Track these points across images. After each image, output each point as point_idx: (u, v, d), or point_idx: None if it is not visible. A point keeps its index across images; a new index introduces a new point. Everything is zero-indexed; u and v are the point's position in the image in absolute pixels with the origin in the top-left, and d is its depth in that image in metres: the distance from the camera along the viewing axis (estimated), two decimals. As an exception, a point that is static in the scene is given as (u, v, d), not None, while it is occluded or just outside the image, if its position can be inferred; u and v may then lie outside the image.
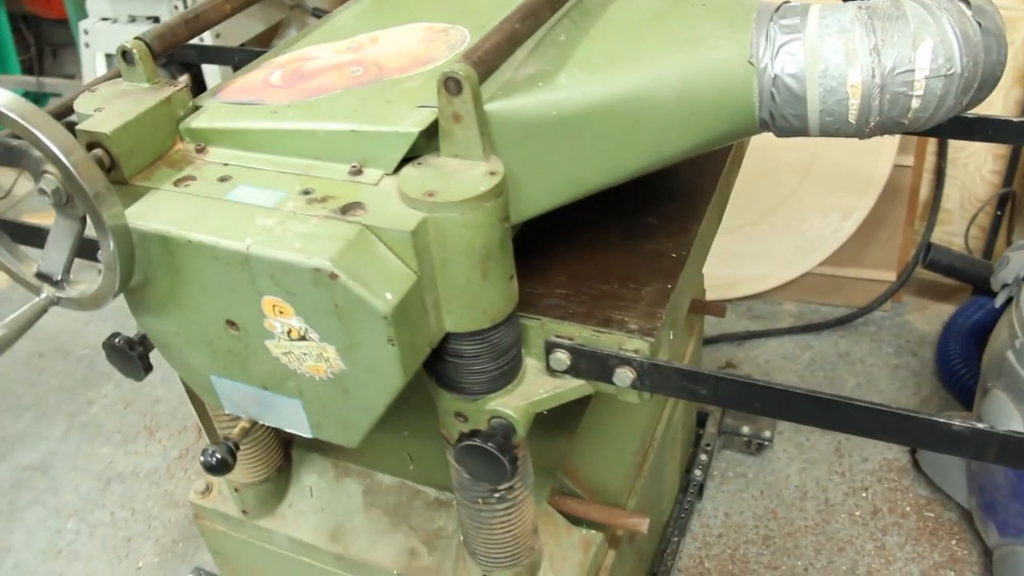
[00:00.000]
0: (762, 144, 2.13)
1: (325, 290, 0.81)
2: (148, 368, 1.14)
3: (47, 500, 2.08)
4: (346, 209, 0.86)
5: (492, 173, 0.85)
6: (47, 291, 0.96)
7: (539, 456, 1.32)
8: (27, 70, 3.74)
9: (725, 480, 1.94)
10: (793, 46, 0.94)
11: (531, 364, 1.02)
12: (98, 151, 0.95)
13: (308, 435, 1.00)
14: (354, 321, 0.83)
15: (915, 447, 0.95)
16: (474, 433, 0.98)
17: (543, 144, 0.92)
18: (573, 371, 0.99)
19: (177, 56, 1.65)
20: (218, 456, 1.02)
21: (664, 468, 1.61)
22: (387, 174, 0.90)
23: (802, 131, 0.99)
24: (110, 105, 0.99)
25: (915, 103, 0.95)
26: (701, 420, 1.97)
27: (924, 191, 2.24)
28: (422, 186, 0.85)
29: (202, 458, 1.02)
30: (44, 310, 0.96)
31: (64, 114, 1.08)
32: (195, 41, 1.18)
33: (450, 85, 0.83)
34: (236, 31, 2.61)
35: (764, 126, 1.00)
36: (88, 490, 2.09)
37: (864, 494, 1.89)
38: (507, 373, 0.98)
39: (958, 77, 0.93)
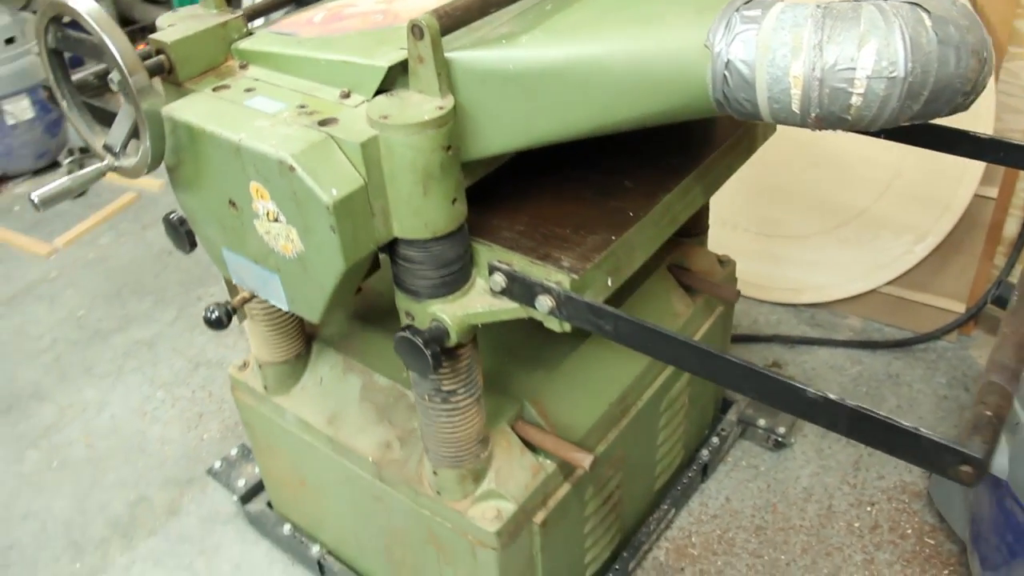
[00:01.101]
0: (843, 156, 2.21)
1: (287, 179, 1.04)
2: (193, 244, 1.41)
3: (146, 370, 2.46)
4: (324, 122, 1.08)
5: (440, 108, 1.05)
6: (108, 159, 1.25)
7: (510, 382, 1.52)
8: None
9: (737, 468, 2.04)
10: (748, 35, 1.05)
11: (479, 284, 1.21)
12: (161, 57, 1.22)
13: (286, 308, 1.23)
14: (307, 208, 1.05)
15: (778, 408, 1.00)
16: (409, 328, 1.18)
17: (500, 93, 1.10)
18: (507, 293, 1.17)
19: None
20: (216, 315, 1.28)
21: (654, 433, 1.74)
22: (366, 100, 1.12)
23: (755, 115, 1.10)
24: (181, 23, 1.25)
25: (856, 100, 1.03)
26: (725, 407, 2.08)
27: (1012, 227, 2.22)
28: (381, 110, 1.05)
29: (204, 314, 1.28)
30: (103, 173, 1.24)
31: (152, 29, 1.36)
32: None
33: (415, 31, 1.03)
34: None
35: (720, 107, 1.12)
36: (180, 369, 2.45)
37: (869, 508, 1.94)
38: (449, 284, 1.17)
39: (902, 81, 1.00)
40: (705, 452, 1.97)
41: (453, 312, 1.18)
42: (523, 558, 1.47)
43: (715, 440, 1.99)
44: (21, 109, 3.33)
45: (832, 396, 0.97)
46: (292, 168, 1.02)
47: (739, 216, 2.43)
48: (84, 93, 1.35)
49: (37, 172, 3.51)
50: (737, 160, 1.48)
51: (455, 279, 1.17)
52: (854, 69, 1.00)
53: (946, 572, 1.81)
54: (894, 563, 1.83)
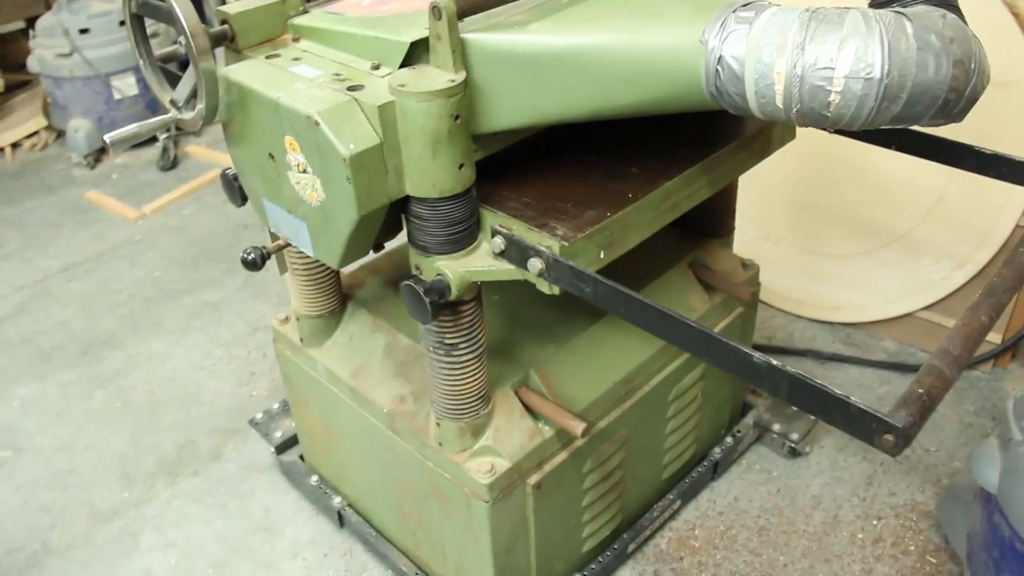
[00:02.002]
0: (888, 179, 2.29)
1: (313, 133, 1.21)
2: (244, 198, 1.59)
3: (209, 329, 2.70)
4: (352, 88, 1.25)
5: (451, 80, 1.21)
6: (172, 112, 1.45)
7: (520, 351, 1.66)
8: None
9: (750, 470, 2.13)
10: (740, 34, 1.17)
11: (484, 246, 1.36)
12: (225, 26, 1.42)
13: (312, 254, 1.40)
14: (329, 160, 1.22)
15: (727, 371, 1.07)
16: (415, 278, 1.34)
17: (509, 73, 1.25)
18: (505, 255, 1.32)
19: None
20: (252, 256, 1.46)
21: (662, 421, 1.85)
22: (392, 71, 1.29)
23: (745, 109, 1.21)
24: (247, -1, 1.45)
25: (834, 98, 1.13)
26: (746, 410, 2.17)
27: (1058, 263, 2.25)
28: (400, 79, 1.21)
29: (242, 255, 1.47)
30: (167, 123, 1.44)
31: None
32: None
33: (435, 11, 1.19)
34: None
35: (714, 100, 1.23)
36: (240, 331, 2.68)
37: (876, 522, 2.00)
38: (455, 242, 1.32)
39: (878, 82, 1.09)
40: (718, 450, 2.06)
41: (455, 268, 1.33)
42: (515, 516, 1.61)
43: (729, 440, 2.09)
44: (127, 86, 3.66)
45: (775, 362, 1.08)
46: (317, 123, 1.19)
47: (783, 231, 2.51)
48: (169, 63, 1.56)
49: (136, 145, 3.82)
50: (749, 159, 1.60)
51: (461, 238, 1.33)
52: (833, 68, 1.10)
53: (944, 591, 1.87)
54: (892, 576, 1.90)
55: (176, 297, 2.87)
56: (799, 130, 1.66)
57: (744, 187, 2.52)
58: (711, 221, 1.93)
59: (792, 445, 2.11)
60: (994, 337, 2.31)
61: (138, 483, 2.21)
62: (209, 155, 3.70)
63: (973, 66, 1.17)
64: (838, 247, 2.44)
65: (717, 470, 2.09)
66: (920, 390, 1.04)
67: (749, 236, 2.57)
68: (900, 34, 1.10)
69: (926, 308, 2.34)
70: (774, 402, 2.16)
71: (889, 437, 1.02)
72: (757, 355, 1.09)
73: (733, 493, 2.08)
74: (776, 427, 2.11)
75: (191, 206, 3.39)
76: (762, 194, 2.53)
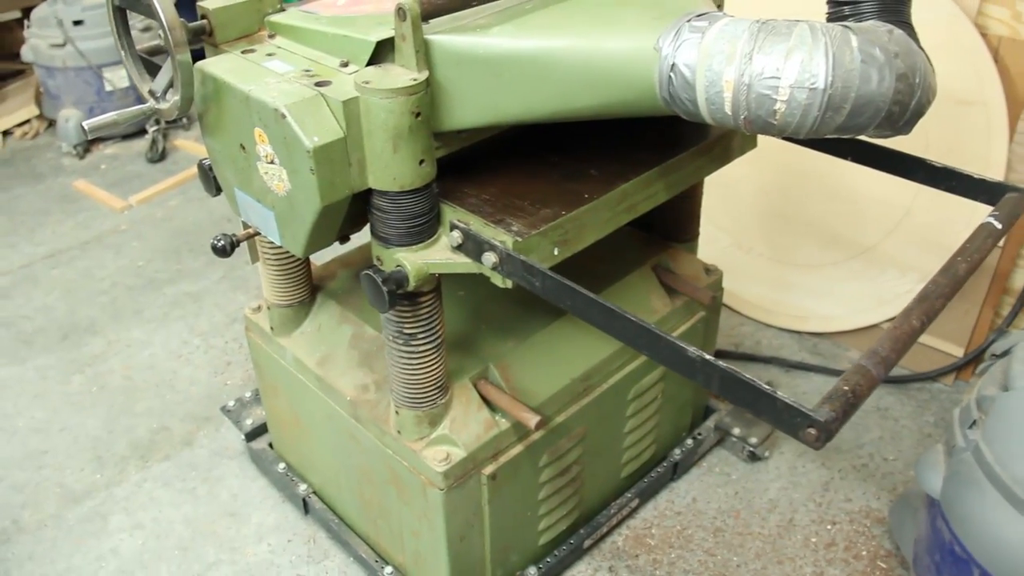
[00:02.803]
0: (858, 193, 2.36)
1: (279, 125, 1.28)
2: (219, 188, 1.66)
3: (188, 319, 2.77)
4: (320, 83, 1.32)
5: (414, 79, 1.28)
6: (151, 102, 1.52)
7: (481, 346, 1.73)
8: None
9: (710, 473, 2.20)
10: (693, 42, 1.23)
11: (443, 240, 1.43)
12: (204, 21, 1.49)
13: (279, 242, 1.47)
14: (294, 152, 1.29)
15: (664, 365, 1.12)
16: (374, 268, 1.41)
17: (470, 73, 1.32)
18: (462, 248, 1.39)
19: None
20: (222, 243, 1.53)
21: (621, 420, 1.92)
22: (359, 69, 1.36)
23: (697, 115, 1.28)
24: (225, -6, 1.53)
25: (780, 106, 1.19)
26: (708, 414, 2.24)
27: (1020, 278, 2.32)
28: (365, 77, 1.29)
29: (212, 241, 1.53)
30: (145, 112, 1.51)
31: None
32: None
33: (400, 13, 1.27)
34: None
35: (668, 105, 1.30)
36: (218, 321, 2.75)
37: (830, 527, 2.07)
38: (414, 235, 1.39)
39: (822, 92, 1.15)
40: (678, 452, 2.13)
41: (414, 260, 1.40)
42: (470, 505, 1.67)
43: (690, 442, 2.16)
44: (119, 77, 3.73)
45: (708, 357, 1.15)
46: (284, 116, 1.26)
47: (755, 241, 2.59)
48: (156, 56, 1.63)
49: (126, 137, 3.91)
50: (708, 165, 1.67)
51: (420, 231, 1.40)
52: (778, 78, 1.17)
53: (892, 595, 1.94)
54: (842, 579, 1.97)
55: (158, 287, 2.94)
56: (772, 143, 1.72)
57: (718, 197, 2.61)
58: (676, 226, 2.00)
59: (751, 449, 2.17)
60: (957, 351, 2.38)
61: (110, 466, 2.27)
62: (197, 149, 3.77)
63: (917, 80, 1.24)
64: (807, 258, 2.52)
65: (677, 471, 2.15)
66: (845, 387, 1.11)
67: (722, 245, 2.64)
68: (845, 47, 1.17)
69: (892, 320, 2.41)
70: (735, 407, 2.23)
71: (812, 431, 1.08)
72: (691, 349, 1.16)
73: (692, 494, 2.15)
74: (736, 431, 2.18)
75: (177, 198, 3.46)
76: (735, 205, 2.61)
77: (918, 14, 1.36)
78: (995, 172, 2.19)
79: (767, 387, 1.11)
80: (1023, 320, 2.36)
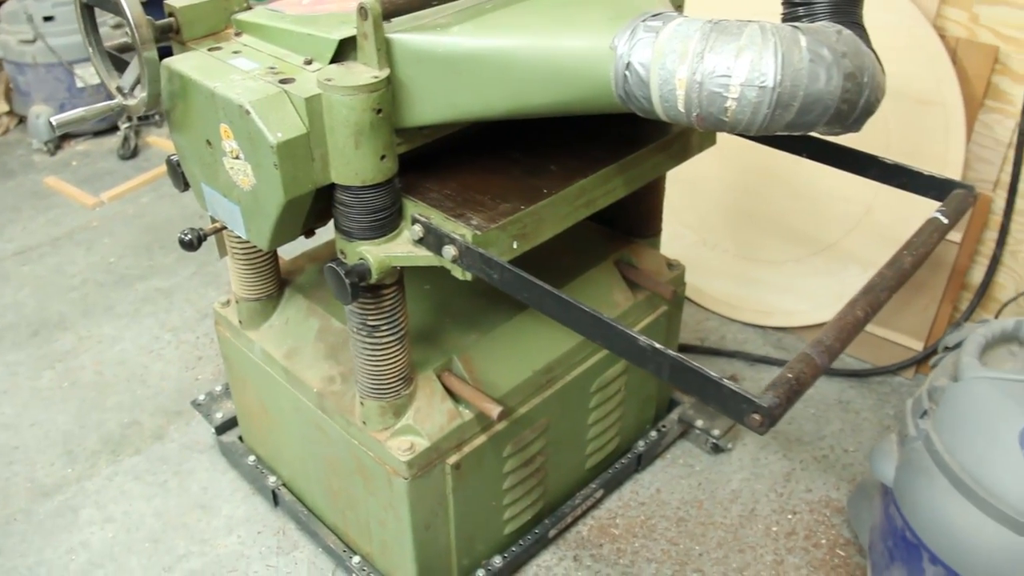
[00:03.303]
0: (820, 190, 2.42)
1: (244, 121, 1.32)
2: (187, 184, 1.70)
3: (160, 315, 2.80)
4: (284, 80, 1.37)
5: (375, 77, 1.32)
6: (119, 98, 1.56)
7: (445, 338, 1.78)
8: None
9: (674, 464, 2.25)
10: (647, 41, 1.28)
11: (405, 234, 1.48)
12: (171, 19, 1.53)
13: (244, 236, 1.51)
14: (258, 147, 1.33)
15: (616, 354, 1.17)
16: (337, 260, 1.45)
17: (430, 71, 1.37)
18: (423, 242, 1.44)
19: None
20: (189, 237, 1.58)
21: (584, 412, 1.97)
22: (323, 66, 1.40)
23: (652, 112, 1.32)
24: (192, -8, 1.57)
25: (731, 104, 1.24)
26: (672, 406, 2.30)
27: (978, 274, 2.40)
28: (328, 74, 1.33)
29: (179, 235, 1.57)
30: (113, 108, 1.55)
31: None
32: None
33: (362, 12, 1.31)
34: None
35: (623, 103, 1.34)
36: (189, 317, 2.78)
37: (791, 516, 2.13)
38: (376, 229, 1.44)
39: (771, 90, 1.20)
40: (642, 444, 2.19)
41: (376, 253, 1.44)
42: (434, 494, 1.72)
43: (654, 434, 2.21)
44: (90, 74, 3.74)
45: (658, 346, 1.20)
46: (248, 112, 1.31)
47: (720, 238, 2.65)
48: (121, 52, 1.67)
49: (98, 133, 3.93)
50: (667, 162, 1.72)
51: (382, 225, 1.44)
52: (729, 76, 1.22)
53: (849, 582, 2.00)
54: (802, 567, 2.02)
55: (129, 283, 2.97)
56: (737, 143, 1.77)
57: (684, 195, 2.67)
58: (639, 222, 2.05)
59: (715, 441, 2.23)
60: (917, 345, 2.45)
61: (81, 460, 2.30)
62: (169, 145, 3.77)
63: (865, 79, 1.29)
64: (771, 254, 2.58)
65: (641, 462, 2.21)
66: (789, 375, 1.16)
67: (688, 241, 2.70)
68: (794, 46, 1.22)
69: (852, 315, 2.48)
70: (699, 400, 2.29)
71: (756, 416, 1.14)
72: (642, 339, 1.21)
73: (656, 485, 2.20)
74: (699, 423, 2.24)
75: (149, 195, 3.49)
76: (701, 203, 2.67)
77: (879, 16, 1.42)
78: (953, 171, 2.25)
79: (714, 375, 1.16)
80: (981, 315, 2.43)
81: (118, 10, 1.44)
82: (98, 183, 3.56)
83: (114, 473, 2.26)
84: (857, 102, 1.29)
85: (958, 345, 1.82)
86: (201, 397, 2.30)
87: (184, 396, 2.46)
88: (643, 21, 1.31)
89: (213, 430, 2.25)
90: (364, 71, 1.34)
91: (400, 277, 1.53)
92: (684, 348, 2.57)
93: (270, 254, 1.84)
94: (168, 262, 3.06)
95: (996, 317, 2.39)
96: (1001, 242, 2.35)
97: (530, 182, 1.53)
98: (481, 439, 1.75)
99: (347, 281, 1.41)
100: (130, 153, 3.74)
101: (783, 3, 1.44)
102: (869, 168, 1.66)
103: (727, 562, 2.03)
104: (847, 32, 1.31)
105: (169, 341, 2.69)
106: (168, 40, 1.57)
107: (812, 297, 2.54)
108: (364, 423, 1.68)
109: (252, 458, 2.16)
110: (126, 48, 1.62)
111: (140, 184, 3.52)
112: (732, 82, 1.22)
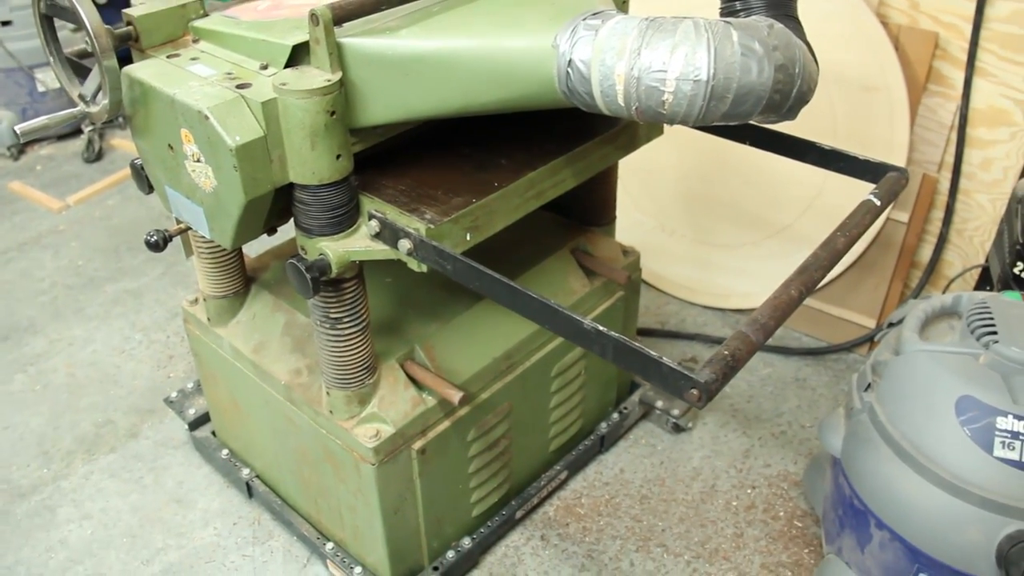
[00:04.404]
0: (773, 175, 2.52)
1: (204, 126, 1.40)
2: (151, 187, 1.77)
3: (130, 316, 2.87)
4: (241, 85, 1.44)
5: (328, 80, 1.40)
6: (81, 105, 1.63)
7: (406, 328, 1.86)
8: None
9: (636, 444, 2.35)
10: (587, 39, 1.35)
11: (362, 229, 1.56)
12: (130, 27, 1.60)
13: (208, 236, 1.59)
14: (218, 151, 1.41)
15: (562, 336, 1.24)
16: (298, 257, 1.53)
17: (381, 73, 1.45)
18: (379, 236, 1.52)
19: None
20: (155, 239, 1.65)
21: (545, 396, 2.06)
22: (278, 71, 1.48)
23: (595, 107, 1.40)
24: (150, 1, 1.63)
25: (667, 97, 1.32)
26: (634, 388, 2.40)
27: (926, 252, 2.51)
28: (283, 79, 1.41)
29: (145, 237, 1.65)
30: (75, 116, 1.62)
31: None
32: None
33: (313, 18, 1.39)
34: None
35: (567, 98, 1.42)
36: (160, 317, 2.85)
37: (750, 491, 2.23)
38: (335, 225, 1.52)
39: (705, 84, 1.28)
40: (604, 425, 2.29)
41: (336, 249, 1.52)
42: (402, 479, 1.81)
43: (616, 416, 2.31)
44: (51, 79, 3.79)
45: (602, 328, 1.29)
46: (207, 117, 1.38)
47: (677, 223, 2.75)
48: (82, 57, 1.73)
49: (62, 137, 3.97)
50: (614, 153, 1.81)
51: (340, 221, 1.52)
52: (665, 71, 1.30)
53: (807, 551, 2.10)
54: (761, 539, 2.13)
55: (98, 285, 3.03)
56: (692, 132, 1.85)
57: (641, 184, 2.77)
58: (593, 211, 2.14)
59: (675, 421, 2.33)
60: (870, 323, 2.56)
61: (56, 460, 2.37)
62: (134, 148, 3.83)
63: (797, 71, 1.38)
64: (728, 238, 2.68)
65: (604, 444, 2.31)
66: (726, 352, 1.24)
67: (646, 228, 2.80)
68: (726, 41, 1.30)
69: (809, 296, 2.59)
70: (641, 378, 2.38)
71: (694, 391, 1.22)
72: (587, 321, 1.29)
73: (619, 465, 2.30)
74: (659, 404, 2.34)
75: (115, 197, 3.55)
76: (658, 190, 2.77)
77: (824, 6, 1.50)
78: (899, 154, 2.36)
79: (654, 354, 1.25)
80: (930, 291, 2.55)
81: (76, 20, 1.51)
82: (64, 187, 3.62)
83: (90, 472, 2.33)
84: (790, 92, 1.38)
85: (901, 320, 1.93)
86: (173, 394, 2.38)
87: (157, 394, 2.53)
88: (583, 20, 1.39)
89: (186, 426, 2.32)
90: (317, 75, 1.42)
91: (360, 271, 1.61)
92: (645, 332, 2.67)
93: (235, 252, 1.91)
94: (136, 263, 3.12)
95: (944, 293, 2.51)
96: (947, 221, 2.46)
97: (481, 176, 1.62)
98: (445, 424, 1.83)
99: (308, 276, 1.49)
100: (95, 156, 3.79)
101: (721, -1, 1.53)
102: (808, 153, 1.76)
103: (689, 536, 2.13)
104: (779, 26, 1.40)
105: (140, 341, 2.76)
106: (127, 48, 1.64)
107: (768, 279, 2.64)
108: (331, 412, 1.76)
109: (225, 452, 2.24)
110: (86, 54, 1.68)
111: (106, 187, 3.57)
112: (668, 76, 1.30)
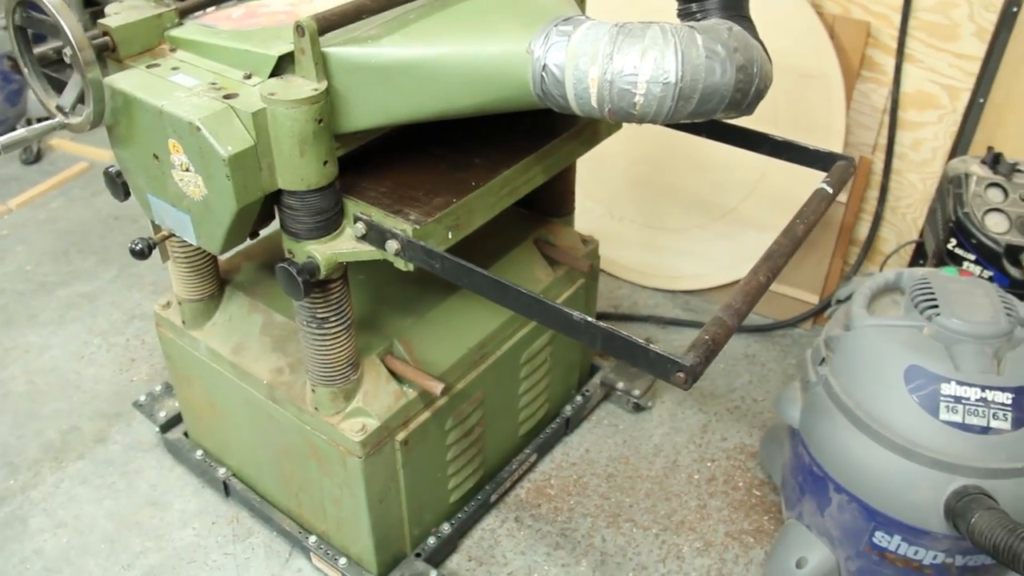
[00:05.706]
0: (718, 160, 2.64)
1: (195, 137, 1.44)
2: (127, 194, 1.80)
3: (86, 320, 2.86)
4: (227, 96, 1.49)
5: (315, 89, 1.46)
6: (59, 117, 1.64)
7: (384, 324, 1.92)
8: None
9: (599, 425, 2.46)
10: (560, 45, 1.43)
11: (348, 231, 1.62)
12: (106, 38, 1.62)
13: (195, 243, 1.63)
14: (210, 161, 1.45)
15: (552, 328, 1.31)
16: (288, 260, 1.59)
17: (364, 81, 1.51)
18: (366, 238, 1.58)
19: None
20: (140, 247, 1.68)
21: (515, 382, 2.15)
22: (263, 81, 1.53)
23: (568, 109, 1.48)
24: (125, 12, 1.66)
25: (639, 99, 1.41)
26: (594, 371, 2.50)
27: (863, 230, 2.67)
28: (270, 89, 1.45)
29: (130, 245, 1.68)
30: (55, 128, 1.64)
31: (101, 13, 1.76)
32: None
33: (299, 29, 1.44)
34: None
35: (542, 101, 1.51)
36: (117, 320, 2.85)
37: (710, 464, 2.36)
38: (322, 228, 1.57)
39: (674, 86, 1.37)
40: (569, 408, 2.39)
41: (323, 251, 1.58)
42: (386, 470, 1.88)
43: (579, 399, 2.41)
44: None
45: (590, 319, 1.37)
46: (199, 128, 1.42)
47: (626, 209, 2.86)
48: (43, 65, 1.75)
49: (-7, 139, 3.89)
50: (579, 148, 1.89)
51: (327, 225, 1.58)
52: (636, 75, 1.39)
53: (766, 518, 2.23)
54: (723, 509, 2.25)
55: (49, 290, 3.00)
56: None
57: (591, 172, 2.86)
58: (553, 203, 2.23)
59: (635, 401, 2.45)
60: (812, 298, 2.71)
61: (23, 470, 2.37)
62: (74, 148, 3.79)
63: (755, 70, 1.48)
64: (677, 222, 2.80)
65: (569, 426, 2.41)
66: (706, 337, 1.34)
67: (596, 215, 2.90)
68: (691, 45, 1.39)
69: (753, 275, 2.72)
70: (618, 363, 2.49)
71: (680, 375, 1.31)
72: (576, 314, 1.38)
73: (585, 446, 2.41)
74: (620, 385, 2.45)
75: (59, 199, 3.50)
76: (607, 177, 2.87)
77: None
78: (836, 139, 2.50)
79: (642, 341, 1.34)
80: (868, 267, 2.71)
81: (57, 32, 1.53)
82: (3, 190, 3.55)
83: (60, 480, 2.34)
84: (749, 90, 1.49)
85: (848, 297, 2.06)
86: (142, 398, 2.40)
87: (122, 398, 2.54)
88: (555, 26, 1.47)
89: (157, 429, 2.35)
90: (304, 84, 1.47)
91: (345, 271, 1.67)
92: (600, 316, 2.77)
93: (211, 256, 1.95)
94: (88, 266, 3.10)
95: (881, 269, 2.67)
96: (882, 200, 2.62)
97: (458, 176, 1.69)
98: (425, 415, 1.91)
99: (299, 279, 1.55)
100: (33, 158, 3.72)
101: (678, 0, 1.62)
102: (762, 145, 1.87)
103: (656, 510, 2.24)
104: (737, 28, 1.50)
105: (99, 345, 2.76)
106: (104, 59, 1.66)
107: (716, 260, 2.77)
108: (316, 409, 1.82)
109: (200, 452, 2.27)
110: (50, 61, 1.69)
111: (49, 188, 3.52)
112: (639, 79, 1.39)
